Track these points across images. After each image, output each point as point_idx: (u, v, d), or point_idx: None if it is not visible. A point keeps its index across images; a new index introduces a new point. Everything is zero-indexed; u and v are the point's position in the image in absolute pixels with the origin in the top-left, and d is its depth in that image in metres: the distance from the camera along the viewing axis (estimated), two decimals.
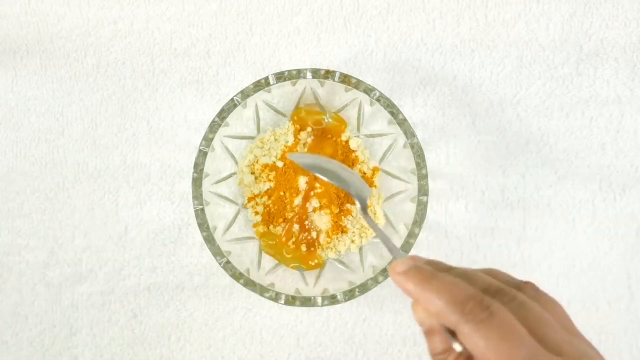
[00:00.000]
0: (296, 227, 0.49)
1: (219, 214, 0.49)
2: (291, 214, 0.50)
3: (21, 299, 0.52)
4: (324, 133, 0.51)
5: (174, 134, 0.53)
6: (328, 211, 0.49)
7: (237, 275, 0.46)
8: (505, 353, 0.23)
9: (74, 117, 0.54)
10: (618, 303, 0.51)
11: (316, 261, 0.50)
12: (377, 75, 0.53)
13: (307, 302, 0.46)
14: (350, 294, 0.46)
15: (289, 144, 0.50)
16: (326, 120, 0.51)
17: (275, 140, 0.51)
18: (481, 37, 0.53)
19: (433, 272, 0.27)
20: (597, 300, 0.51)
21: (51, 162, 0.53)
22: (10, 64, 0.54)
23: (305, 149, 0.51)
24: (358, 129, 0.51)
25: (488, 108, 0.53)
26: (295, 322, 0.51)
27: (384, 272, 0.46)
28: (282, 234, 0.50)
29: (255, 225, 0.51)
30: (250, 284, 0.46)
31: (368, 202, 0.50)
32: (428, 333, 0.28)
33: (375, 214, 0.50)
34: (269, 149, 0.51)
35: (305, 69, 0.47)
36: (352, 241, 0.50)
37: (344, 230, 0.50)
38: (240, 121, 0.50)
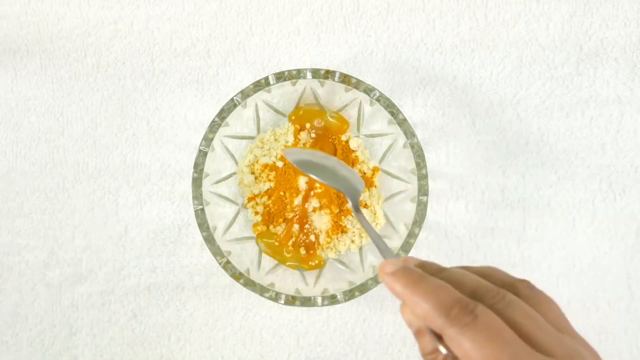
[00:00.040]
0: (296, 227, 0.49)
1: (219, 214, 0.49)
2: (291, 214, 0.50)
3: (21, 299, 0.52)
4: (326, 133, 0.51)
5: (174, 134, 0.53)
6: (328, 211, 0.49)
7: (237, 275, 0.46)
8: (490, 355, 0.23)
9: (74, 117, 0.54)
10: (618, 303, 0.51)
11: (317, 261, 0.50)
12: (377, 75, 0.53)
13: (307, 302, 0.46)
14: (350, 294, 0.46)
15: (289, 144, 0.50)
16: (329, 120, 0.51)
17: (275, 140, 0.51)
18: (481, 37, 0.53)
19: (421, 275, 0.27)
20: (597, 300, 0.51)
21: (51, 162, 0.53)
22: (10, 64, 0.54)
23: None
24: (358, 129, 0.51)
25: (488, 108, 0.53)
26: (295, 322, 0.51)
27: None
28: (282, 234, 0.50)
29: (255, 225, 0.51)
30: (250, 284, 0.46)
31: (368, 202, 0.50)
32: (417, 334, 0.28)
33: (375, 214, 0.50)
34: (269, 149, 0.51)
35: (305, 69, 0.47)
36: (352, 241, 0.50)
37: (344, 230, 0.50)
38: (240, 121, 0.50)
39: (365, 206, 0.50)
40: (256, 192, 0.51)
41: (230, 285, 0.51)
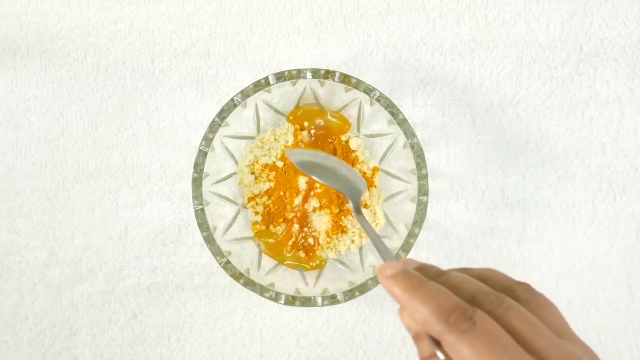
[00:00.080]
0: (296, 227, 0.49)
1: (219, 214, 0.49)
2: (291, 214, 0.50)
3: (21, 299, 0.52)
4: (326, 133, 0.51)
5: (174, 134, 0.53)
6: (328, 211, 0.49)
7: (237, 275, 0.46)
8: None
9: (74, 117, 0.54)
10: (618, 303, 0.51)
11: (317, 262, 0.50)
12: (377, 75, 0.53)
13: (307, 302, 0.46)
14: (350, 294, 0.46)
15: (289, 144, 0.50)
16: (330, 120, 0.51)
17: (275, 140, 0.51)
18: (481, 37, 0.53)
19: (421, 279, 0.27)
20: (597, 300, 0.51)
21: (51, 162, 0.53)
22: (10, 64, 0.54)
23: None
24: (358, 129, 0.51)
25: (488, 108, 0.53)
26: (295, 322, 0.51)
27: None
28: (281, 234, 0.50)
29: (254, 224, 0.51)
30: (250, 284, 0.46)
31: (368, 202, 0.50)
32: (416, 338, 0.28)
33: (375, 214, 0.50)
34: (269, 149, 0.51)
35: (305, 69, 0.47)
36: (352, 241, 0.50)
37: (344, 230, 0.50)
38: (240, 121, 0.50)
39: (365, 206, 0.50)
40: (256, 192, 0.51)
41: (230, 285, 0.51)
